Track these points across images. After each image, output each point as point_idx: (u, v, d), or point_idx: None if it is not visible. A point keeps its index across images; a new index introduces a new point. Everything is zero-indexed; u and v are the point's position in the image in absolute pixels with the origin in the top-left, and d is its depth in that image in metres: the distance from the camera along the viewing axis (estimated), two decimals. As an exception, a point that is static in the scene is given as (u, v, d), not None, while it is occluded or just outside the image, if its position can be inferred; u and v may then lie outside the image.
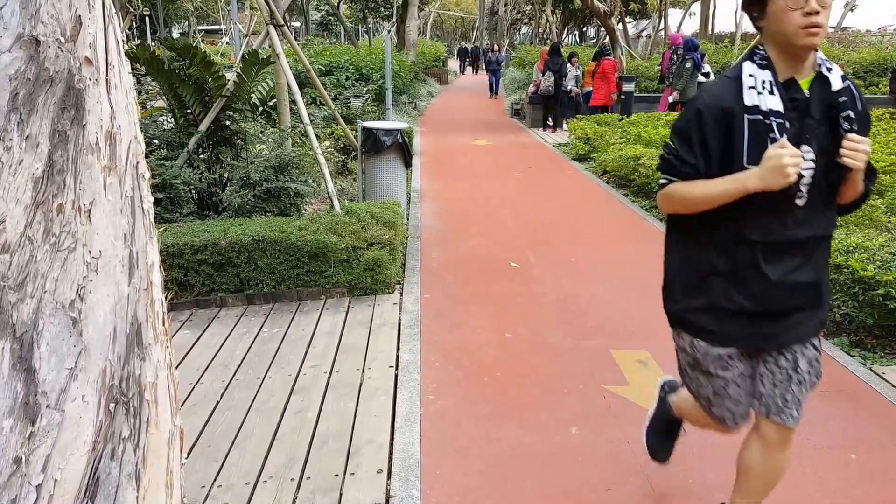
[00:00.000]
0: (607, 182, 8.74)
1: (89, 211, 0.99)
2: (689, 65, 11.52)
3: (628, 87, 11.92)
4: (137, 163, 1.12)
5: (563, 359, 3.85)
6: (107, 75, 1.02)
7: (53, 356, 0.95)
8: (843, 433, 3.11)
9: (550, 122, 13.79)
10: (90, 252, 0.99)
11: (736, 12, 23.92)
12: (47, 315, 0.94)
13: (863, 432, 3.12)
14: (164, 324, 1.21)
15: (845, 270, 3.96)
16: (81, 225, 0.97)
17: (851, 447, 3.00)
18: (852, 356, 3.88)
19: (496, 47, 25.50)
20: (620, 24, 18.18)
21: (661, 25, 25.98)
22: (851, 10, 26.37)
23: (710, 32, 23.47)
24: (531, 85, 14.24)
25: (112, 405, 1.05)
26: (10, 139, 0.89)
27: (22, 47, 0.90)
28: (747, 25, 24.95)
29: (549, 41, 33.79)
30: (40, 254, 0.92)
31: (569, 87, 13.36)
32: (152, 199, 1.17)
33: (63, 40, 0.94)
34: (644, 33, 32.78)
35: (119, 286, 1.05)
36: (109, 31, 1.03)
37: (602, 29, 19.81)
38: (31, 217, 0.91)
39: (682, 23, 29.34)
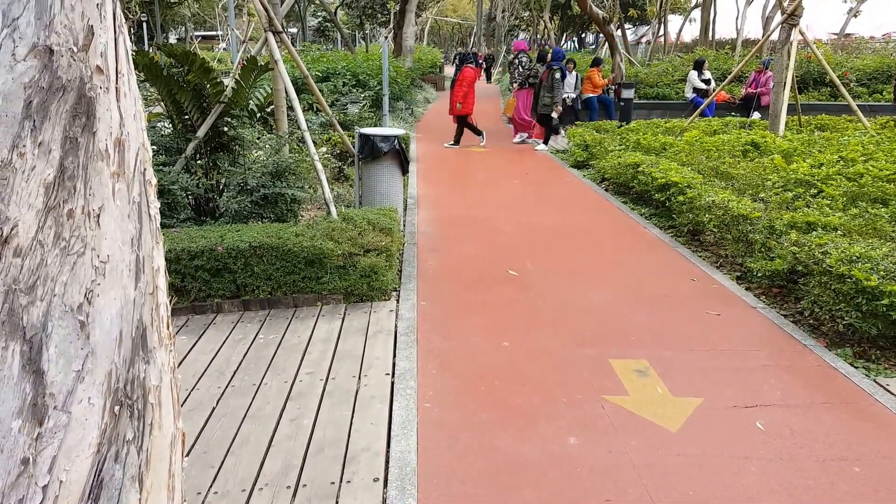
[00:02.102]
0: (606, 189, 8.77)
1: (98, 216, 1.00)
2: (557, 75, 11.35)
3: (627, 93, 11.97)
4: (145, 169, 1.14)
5: (560, 367, 3.86)
6: (116, 83, 1.04)
7: (61, 358, 0.96)
8: (846, 445, 3.12)
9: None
10: (98, 256, 1.01)
11: (737, 19, 24.07)
12: (56, 318, 0.95)
13: (867, 444, 3.12)
14: (168, 328, 1.22)
15: (849, 280, 3.94)
16: (90, 230, 0.99)
17: (855, 459, 3.01)
18: (856, 367, 3.89)
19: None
20: (619, 30, 18.26)
21: (661, 32, 26.11)
22: (855, 16, 26.54)
23: (710, 39, 23.59)
24: None
25: (117, 408, 1.06)
26: (24, 146, 0.91)
27: (36, 56, 0.92)
28: (748, 32, 25.15)
29: (547, 48, 33.87)
30: (50, 258, 0.94)
31: (566, 95, 13.41)
32: (158, 205, 1.18)
33: (76, 49, 0.96)
34: (644, 39, 32.91)
35: (126, 290, 1.06)
36: (119, 41, 1.05)
37: (601, 35, 19.90)
38: (42, 222, 0.93)
39: (682, 29, 29.47)
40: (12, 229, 0.90)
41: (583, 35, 39.10)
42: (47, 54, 0.93)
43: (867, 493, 2.78)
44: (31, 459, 0.93)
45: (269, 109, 6.93)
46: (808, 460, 2.99)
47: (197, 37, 45.74)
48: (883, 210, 5.15)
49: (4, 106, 0.90)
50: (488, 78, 33.08)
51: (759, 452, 3.05)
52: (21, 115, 0.91)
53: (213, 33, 47.51)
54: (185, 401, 3.51)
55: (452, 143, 12.30)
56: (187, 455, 3.01)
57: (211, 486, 2.80)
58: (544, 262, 5.74)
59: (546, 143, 12.29)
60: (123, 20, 1.08)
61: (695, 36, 27.61)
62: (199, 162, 5.94)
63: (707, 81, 13.62)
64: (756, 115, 12.36)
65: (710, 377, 3.75)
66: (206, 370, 3.85)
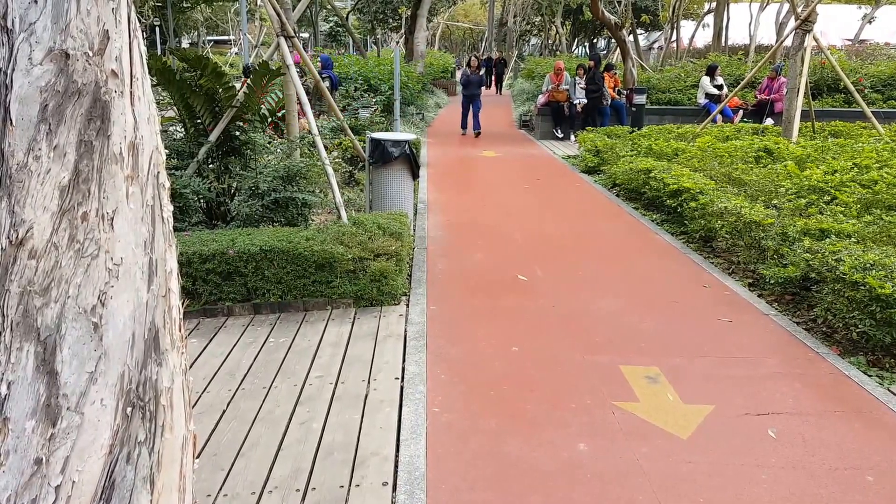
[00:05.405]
0: (617, 195, 8.74)
1: (112, 219, 1.01)
2: (326, 83, 10.60)
3: (639, 99, 11.93)
4: (158, 172, 1.14)
5: (570, 373, 3.85)
6: (131, 87, 1.05)
7: (75, 360, 0.97)
8: (859, 454, 3.08)
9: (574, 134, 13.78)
10: (112, 259, 1.01)
11: (750, 24, 23.91)
12: (70, 319, 0.96)
13: (880, 453, 3.09)
14: (180, 330, 1.22)
15: (862, 288, 3.90)
16: (104, 232, 1.00)
17: (868, 469, 2.97)
18: (869, 375, 3.84)
19: (473, 60, 15.00)
20: (631, 35, 18.23)
21: (674, 37, 26.01)
22: (869, 22, 26.36)
23: (723, 44, 23.48)
24: (540, 96, 14.30)
25: (129, 409, 1.06)
26: (39, 149, 0.92)
27: (52, 60, 0.93)
28: (761, 37, 24.91)
29: (558, 53, 33.74)
30: (65, 260, 0.95)
31: (575, 101, 13.44)
32: (171, 208, 1.19)
33: (91, 54, 0.97)
34: (656, 45, 32.80)
35: (139, 292, 1.07)
36: (134, 45, 1.06)
37: (613, 41, 19.87)
38: (56, 224, 0.94)
39: (695, 34, 29.33)
40: (27, 231, 0.91)
41: (594, 40, 39.05)
42: (63, 58, 0.94)
43: (880, 503, 2.74)
44: (44, 460, 0.94)
45: (280, 114, 6.96)
46: (820, 469, 2.96)
47: (209, 41, 46.14)
48: (898, 218, 5.08)
49: (21, 109, 0.91)
50: (499, 86, 30.18)
51: (771, 461, 3.02)
52: (37, 119, 0.92)
53: (226, 38, 47.89)
54: (196, 403, 3.52)
55: None
56: (197, 457, 3.02)
57: (220, 489, 2.81)
58: (554, 268, 5.73)
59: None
60: (138, 24, 1.09)
61: (707, 41, 27.46)
62: (210, 166, 5.98)
63: (719, 87, 13.58)
64: (769, 122, 12.30)
65: (721, 384, 3.72)
66: (216, 373, 3.86)
